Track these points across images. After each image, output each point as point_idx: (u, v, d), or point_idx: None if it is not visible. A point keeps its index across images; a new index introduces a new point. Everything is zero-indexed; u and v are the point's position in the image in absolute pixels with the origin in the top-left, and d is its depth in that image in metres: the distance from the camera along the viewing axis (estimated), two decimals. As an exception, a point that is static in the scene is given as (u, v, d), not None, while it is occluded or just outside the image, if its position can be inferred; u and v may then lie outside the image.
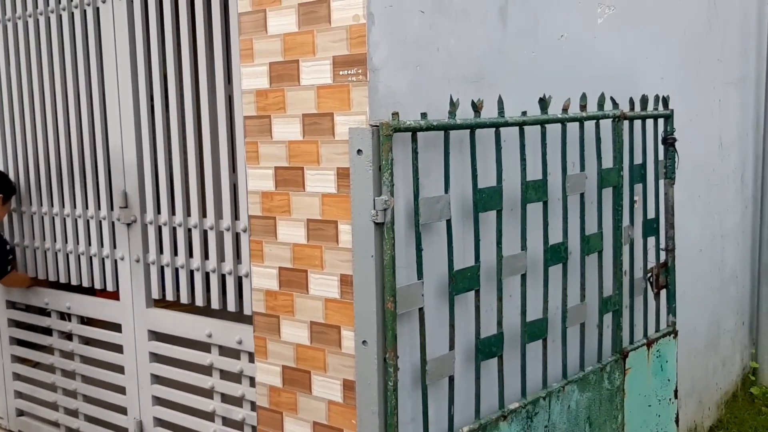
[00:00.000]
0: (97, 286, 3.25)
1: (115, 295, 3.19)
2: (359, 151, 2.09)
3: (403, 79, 2.20)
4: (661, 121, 3.25)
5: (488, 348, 2.46)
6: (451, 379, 2.34)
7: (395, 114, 2.09)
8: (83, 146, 3.21)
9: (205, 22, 2.65)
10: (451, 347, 2.33)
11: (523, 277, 2.57)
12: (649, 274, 3.26)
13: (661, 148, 3.26)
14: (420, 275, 2.21)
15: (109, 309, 3.22)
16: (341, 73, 2.14)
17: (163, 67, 2.85)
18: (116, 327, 3.20)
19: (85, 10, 3.08)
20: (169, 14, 2.76)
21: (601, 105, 2.84)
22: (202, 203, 2.78)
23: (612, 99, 2.92)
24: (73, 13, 3.13)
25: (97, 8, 3.03)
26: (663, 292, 3.36)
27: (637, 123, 3.13)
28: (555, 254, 2.68)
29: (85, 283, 3.30)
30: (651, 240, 3.28)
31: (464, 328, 2.45)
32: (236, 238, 2.69)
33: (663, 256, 3.32)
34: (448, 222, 2.29)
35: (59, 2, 3.17)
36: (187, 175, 2.81)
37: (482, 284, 2.44)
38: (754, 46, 4.55)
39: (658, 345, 3.24)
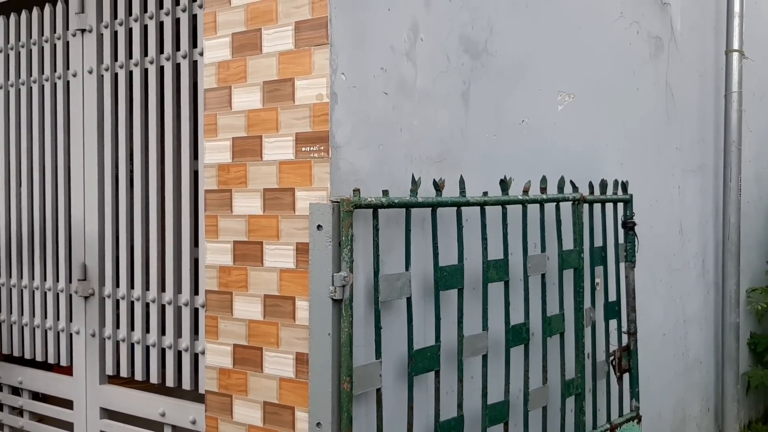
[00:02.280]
0: (51, 360, 3.16)
1: (69, 370, 3.10)
2: (319, 227, 2.09)
3: (365, 157, 2.23)
4: (620, 205, 3.31)
5: (448, 431, 2.40)
6: (409, 464, 2.28)
7: (356, 190, 2.10)
8: (45, 217, 3.17)
9: (174, 99, 2.69)
10: (410, 430, 2.27)
11: (485, 357, 2.55)
12: (611, 358, 3.25)
13: (621, 231, 3.32)
14: (378, 354, 2.18)
15: (62, 384, 3.12)
16: (303, 149, 2.17)
17: (130, 141, 2.86)
18: (69, 404, 3.09)
19: (55, 83, 3.11)
20: (138, 89, 2.80)
21: (561, 188, 2.90)
22: (162, 277, 2.75)
23: (572, 182, 2.99)
24: (43, 86, 3.16)
25: (68, 82, 3.06)
26: (626, 376, 3.34)
27: (597, 206, 3.19)
28: (516, 335, 2.67)
29: (39, 358, 3.20)
30: (613, 323, 3.29)
31: (424, 411, 2.40)
32: (195, 313, 2.64)
33: (625, 339, 3.32)
34: (409, 300, 2.28)
35: (30, 75, 3.20)
36: (149, 248, 2.78)
37: (443, 365, 2.41)
38: (712, 136, 4.71)
39: (622, 430, 3.20)
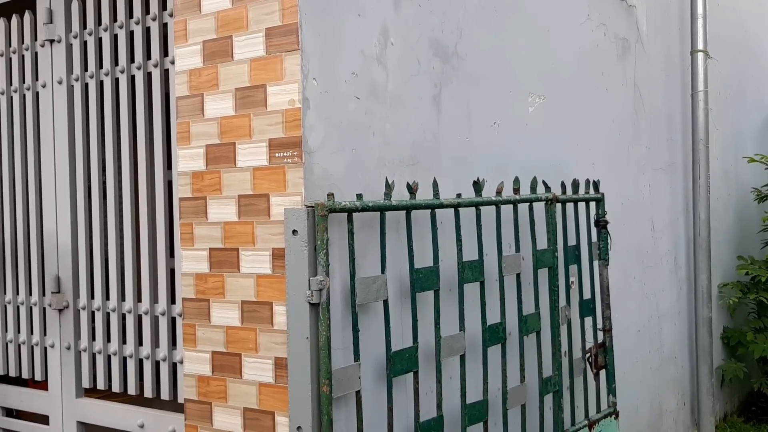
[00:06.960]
0: (25, 375, 3.12)
1: (45, 385, 3.06)
2: (294, 232, 2.10)
3: (339, 162, 2.25)
4: (593, 204, 3.36)
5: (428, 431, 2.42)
6: (390, 465, 2.29)
7: (330, 195, 2.12)
8: (16, 230, 3.14)
9: (146, 108, 2.68)
10: (390, 431, 2.29)
11: (462, 357, 2.57)
12: (588, 355, 3.29)
13: (593, 230, 3.36)
14: (357, 357, 2.19)
15: (37, 399, 3.08)
16: (277, 155, 2.17)
17: (102, 151, 2.85)
18: (45, 419, 3.05)
19: (24, 95, 3.09)
20: (109, 99, 2.78)
21: (533, 188, 2.94)
22: (138, 287, 2.73)
23: (544, 182, 3.02)
24: (12, 97, 3.13)
25: (37, 93, 3.03)
26: (603, 373, 3.38)
27: (570, 206, 3.23)
28: (493, 334, 2.69)
29: (12, 373, 3.16)
30: (588, 320, 3.33)
31: (403, 412, 2.42)
32: (172, 322, 2.63)
33: (601, 336, 3.36)
34: (385, 302, 2.29)
35: (-2, 87, 3.18)
36: (123, 259, 2.76)
37: (421, 366, 2.42)
38: (680, 135, 4.80)
39: (600, 426, 3.24)
